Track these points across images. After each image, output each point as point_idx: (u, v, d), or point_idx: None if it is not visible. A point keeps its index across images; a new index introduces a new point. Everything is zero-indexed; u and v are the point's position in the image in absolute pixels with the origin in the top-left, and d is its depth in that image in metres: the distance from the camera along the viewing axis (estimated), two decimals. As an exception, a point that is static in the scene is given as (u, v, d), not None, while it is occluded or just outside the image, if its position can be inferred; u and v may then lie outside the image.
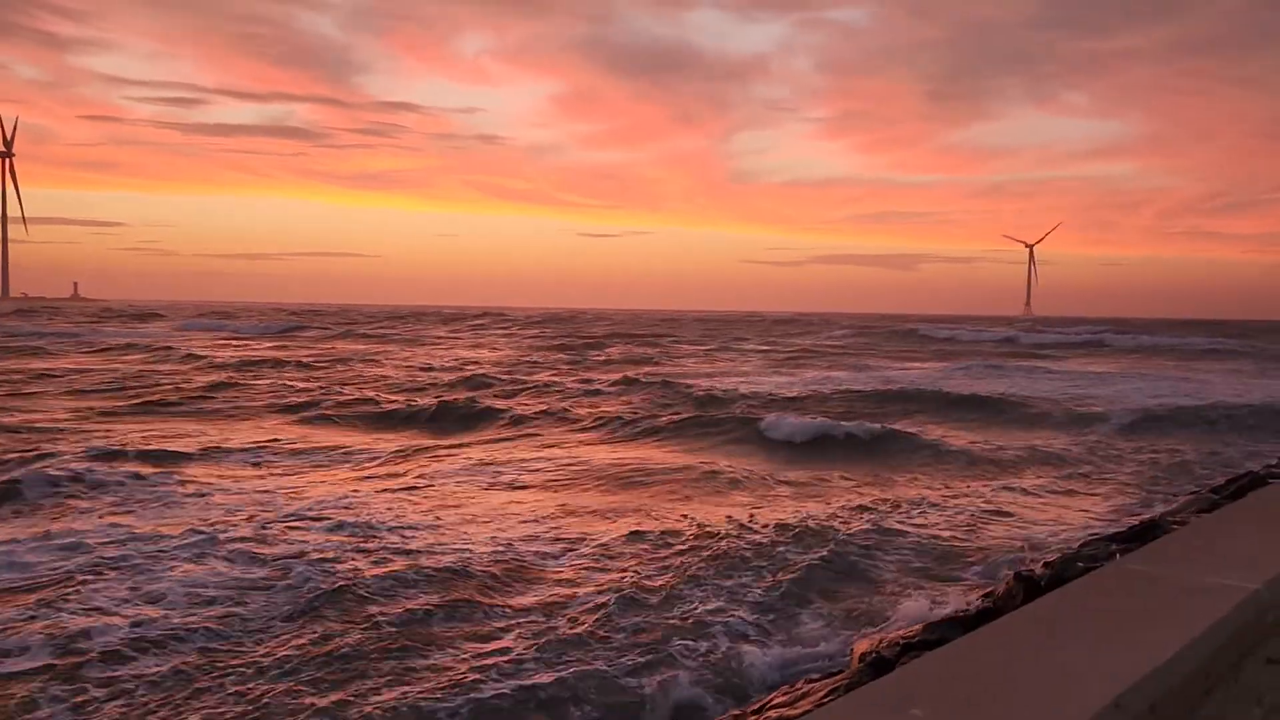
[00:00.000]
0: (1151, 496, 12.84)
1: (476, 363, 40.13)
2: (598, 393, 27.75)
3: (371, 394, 26.27)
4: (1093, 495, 13.19)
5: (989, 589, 7.11)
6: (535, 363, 41.91)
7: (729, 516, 11.30)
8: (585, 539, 10.25)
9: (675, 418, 21.13)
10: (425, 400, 24.11)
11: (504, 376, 32.82)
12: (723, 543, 9.91)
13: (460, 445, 17.88)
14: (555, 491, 13.26)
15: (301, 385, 28.61)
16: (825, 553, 9.54)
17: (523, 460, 15.91)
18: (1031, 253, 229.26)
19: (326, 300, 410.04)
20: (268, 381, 29.74)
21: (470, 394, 26.47)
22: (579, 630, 7.15)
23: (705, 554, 9.50)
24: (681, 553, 9.57)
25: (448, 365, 38.80)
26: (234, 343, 57.28)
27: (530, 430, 20.34)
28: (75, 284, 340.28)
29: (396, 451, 16.78)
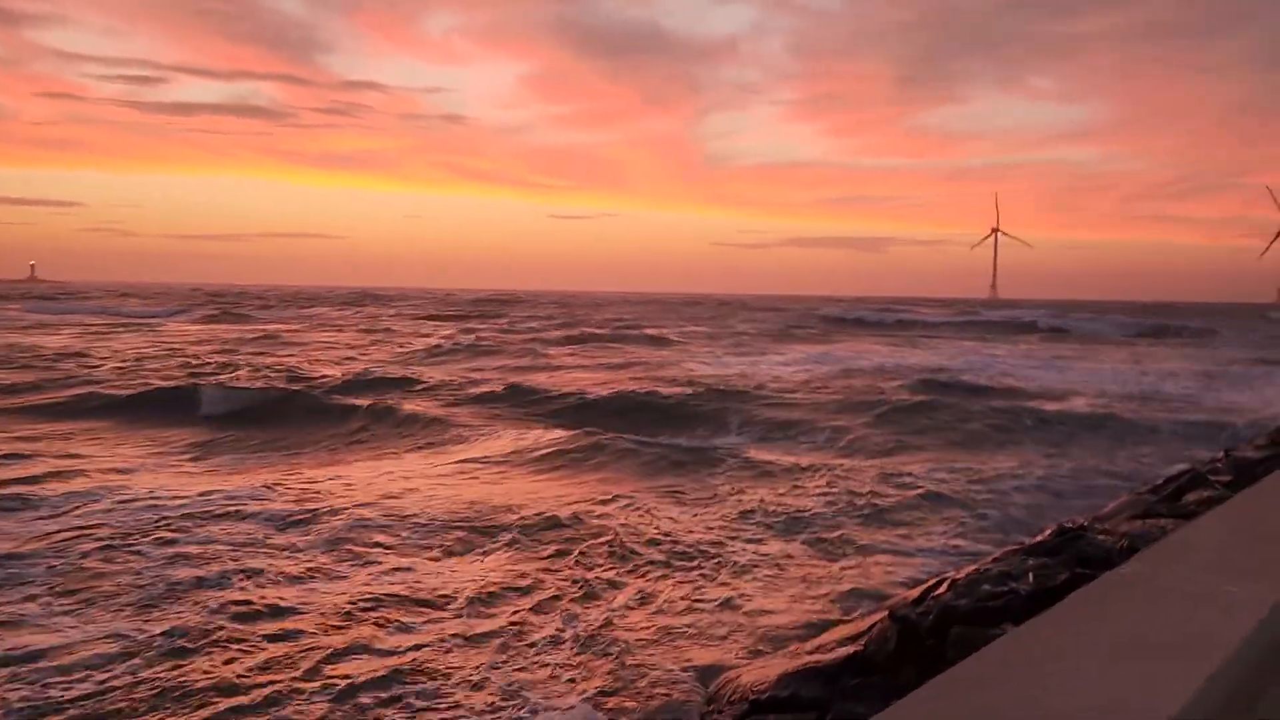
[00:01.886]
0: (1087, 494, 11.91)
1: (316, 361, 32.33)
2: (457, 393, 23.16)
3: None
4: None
5: (871, 622, 6.08)
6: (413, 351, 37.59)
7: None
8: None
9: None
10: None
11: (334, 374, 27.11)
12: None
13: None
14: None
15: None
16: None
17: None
18: (996, 236, 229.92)
19: (295, 282, 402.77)
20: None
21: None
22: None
23: None
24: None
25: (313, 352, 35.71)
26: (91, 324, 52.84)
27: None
28: (32, 265, 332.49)
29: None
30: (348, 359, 32.85)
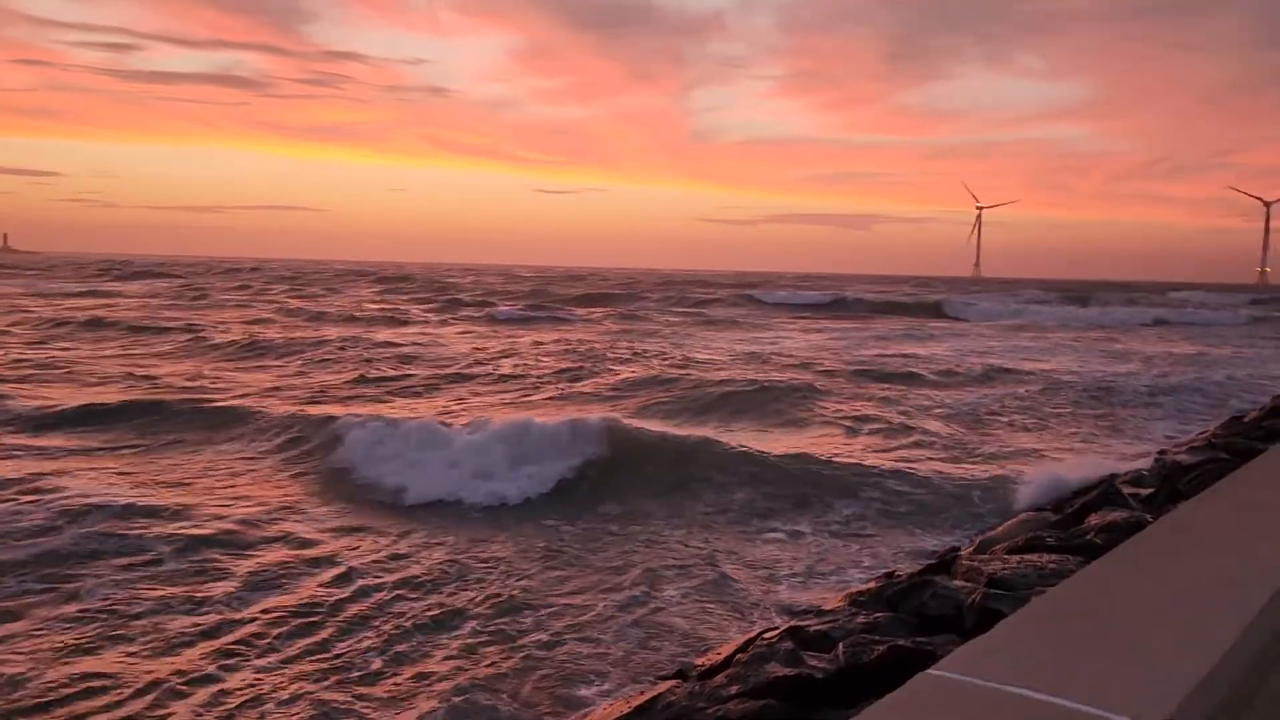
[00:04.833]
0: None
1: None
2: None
3: None
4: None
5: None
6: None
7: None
8: None
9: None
10: None
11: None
12: None
13: None
14: None
15: None
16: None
17: None
18: (980, 216, 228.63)
19: (277, 255, 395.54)
20: None
21: None
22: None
23: None
24: None
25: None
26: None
27: None
28: (4, 235, 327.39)
29: None
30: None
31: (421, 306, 47.95)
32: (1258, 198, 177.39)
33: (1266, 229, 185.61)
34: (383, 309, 44.52)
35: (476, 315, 42.72)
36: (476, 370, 21.61)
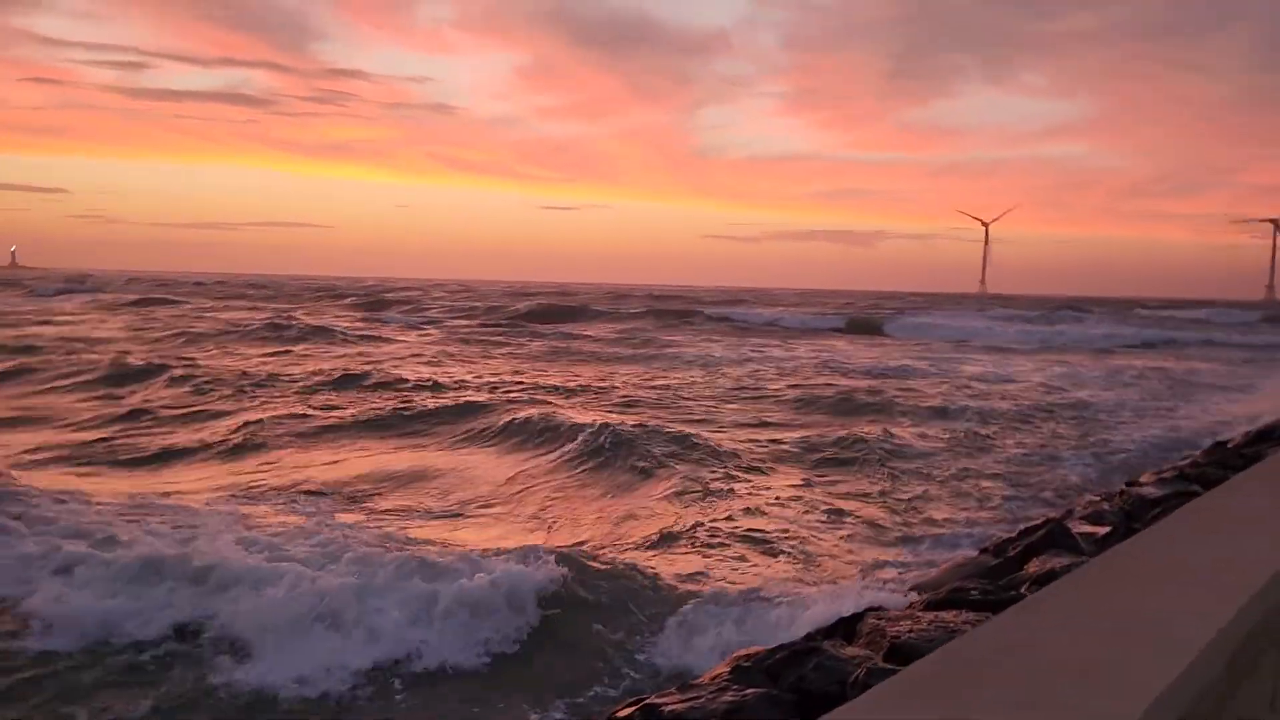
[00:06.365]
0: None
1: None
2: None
3: None
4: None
5: None
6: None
7: None
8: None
9: None
10: None
11: None
12: None
13: None
14: None
15: None
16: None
17: None
18: (987, 231, 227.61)
19: (285, 272, 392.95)
20: None
21: None
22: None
23: None
24: None
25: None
26: None
27: None
28: (13, 251, 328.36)
29: None
30: None
31: (357, 322, 46.83)
32: (1269, 220, 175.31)
33: (1275, 247, 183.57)
34: (310, 325, 40.23)
35: (426, 335, 40.31)
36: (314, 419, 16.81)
